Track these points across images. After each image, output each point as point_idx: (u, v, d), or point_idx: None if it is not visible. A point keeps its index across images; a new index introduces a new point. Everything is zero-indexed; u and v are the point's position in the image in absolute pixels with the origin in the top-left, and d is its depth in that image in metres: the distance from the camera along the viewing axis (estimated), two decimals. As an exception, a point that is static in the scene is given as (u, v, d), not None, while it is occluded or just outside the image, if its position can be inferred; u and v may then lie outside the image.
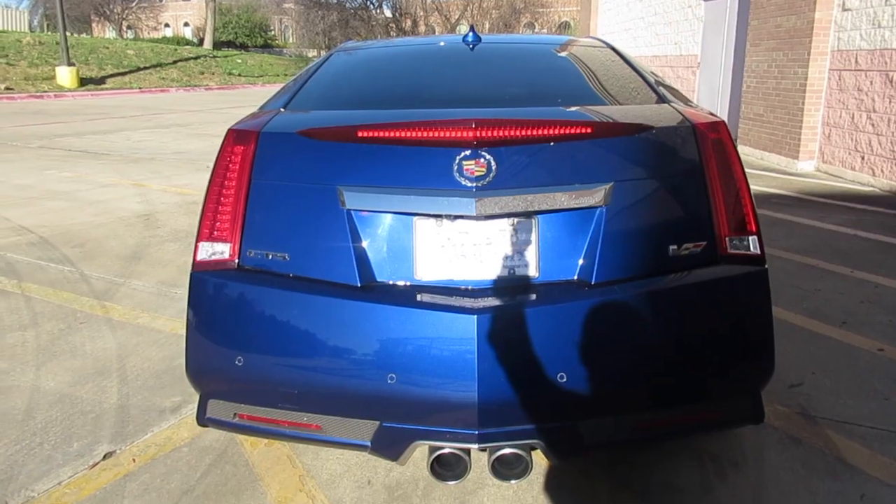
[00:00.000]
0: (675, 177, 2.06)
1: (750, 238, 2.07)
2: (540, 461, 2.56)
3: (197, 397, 2.23)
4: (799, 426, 2.80)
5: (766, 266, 2.07)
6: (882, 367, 3.31)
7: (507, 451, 1.97)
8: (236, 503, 2.40)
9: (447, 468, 2.05)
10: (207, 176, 2.21)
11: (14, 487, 2.48)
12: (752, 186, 6.52)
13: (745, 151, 10.28)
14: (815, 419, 2.85)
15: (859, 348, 3.52)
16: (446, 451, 1.98)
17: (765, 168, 9.13)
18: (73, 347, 3.66)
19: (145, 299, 4.37)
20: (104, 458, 2.67)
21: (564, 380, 1.88)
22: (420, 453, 2.58)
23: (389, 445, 2.00)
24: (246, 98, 23.19)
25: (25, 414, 2.99)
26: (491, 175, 1.94)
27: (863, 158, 8.01)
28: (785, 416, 2.87)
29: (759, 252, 2.06)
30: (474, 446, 1.93)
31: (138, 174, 8.82)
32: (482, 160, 1.95)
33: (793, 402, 2.99)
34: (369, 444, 2.01)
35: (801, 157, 8.89)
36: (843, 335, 3.69)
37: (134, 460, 2.66)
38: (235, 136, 2.16)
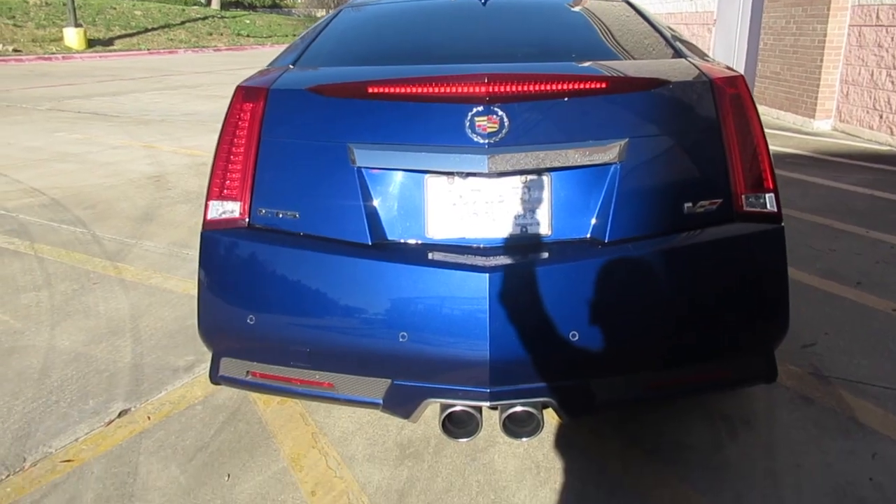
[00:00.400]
0: (691, 133, 2.02)
1: (766, 196, 2.03)
2: (551, 420, 2.57)
3: (209, 356, 2.24)
4: (811, 386, 2.79)
5: (783, 224, 2.03)
6: (896, 327, 3.29)
7: (518, 409, 1.97)
8: (250, 459, 2.43)
9: (459, 426, 2.06)
10: (216, 138, 2.19)
11: (32, 444, 2.52)
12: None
13: (760, 111, 10.07)
14: (828, 379, 2.83)
15: (874, 308, 3.49)
16: (458, 408, 1.98)
17: (780, 127, 8.98)
18: (87, 307, 3.68)
19: (157, 260, 4.39)
20: (119, 415, 2.70)
21: (577, 338, 1.87)
22: (432, 412, 2.59)
23: (401, 403, 2.01)
24: (255, 59, 22.98)
25: (41, 373, 3.03)
26: (504, 131, 1.91)
27: (881, 117, 7.86)
28: (797, 375, 2.86)
29: (775, 210, 2.03)
30: (486, 404, 1.94)
31: (148, 136, 8.79)
32: (495, 116, 1.91)
33: (805, 361, 2.97)
34: (381, 402, 2.02)
35: (817, 116, 8.73)
36: (857, 295, 3.66)
37: (149, 418, 2.69)
38: (244, 93, 2.13)
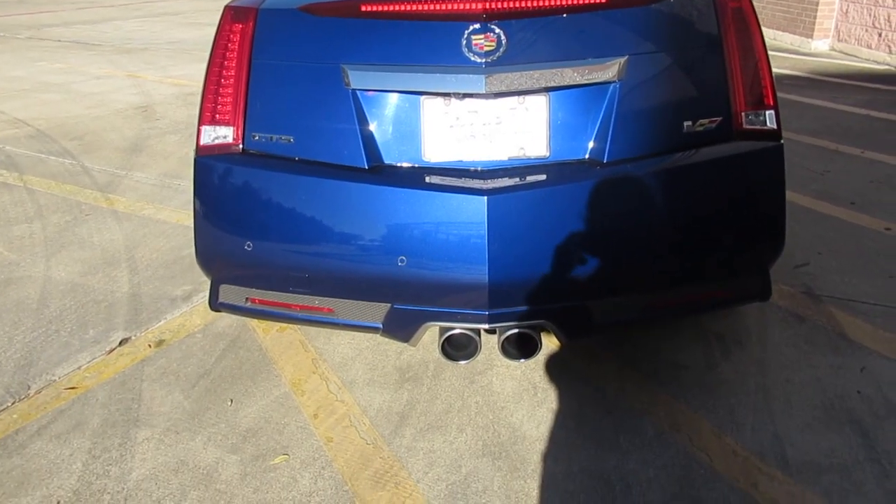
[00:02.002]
0: (692, 49, 1.98)
1: (767, 113, 2.01)
2: (548, 343, 2.60)
3: (207, 285, 2.24)
4: (803, 305, 2.83)
5: (783, 141, 2.01)
6: (889, 245, 3.31)
7: (516, 331, 1.99)
8: (252, 385, 2.47)
9: (458, 349, 2.08)
10: (204, 67, 2.13)
11: (35, 372, 2.55)
12: None
13: (757, 31, 9.90)
14: (820, 297, 2.87)
15: (867, 227, 3.51)
16: (457, 331, 2.01)
17: (778, 48, 8.82)
18: (81, 239, 3.67)
19: (149, 191, 4.34)
20: (120, 343, 2.73)
21: (575, 259, 1.88)
22: (430, 336, 2.62)
23: (401, 327, 2.03)
24: (237, -17, 22.18)
25: (39, 303, 3.04)
26: (501, 50, 1.86)
27: (880, 35, 7.72)
28: (790, 295, 2.90)
29: (775, 127, 2.01)
30: (485, 326, 1.96)
31: (132, 65, 8.57)
32: (492, 34, 1.86)
33: (798, 281, 3.01)
34: (381, 326, 2.04)
35: (815, 36, 8.57)
36: (850, 215, 3.67)
37: (150, 346, 2.71)
38: (233, 13, 2.06)
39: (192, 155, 4.86)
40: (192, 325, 2.85)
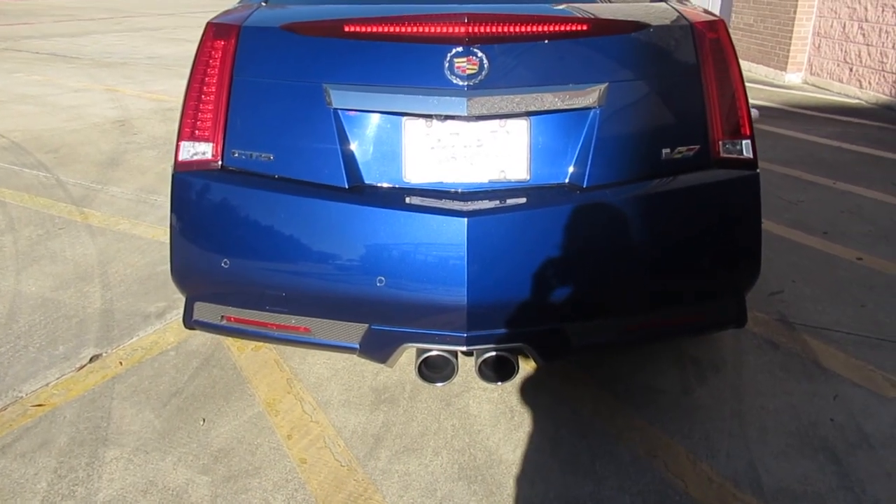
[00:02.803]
0: (671, 78, 2.00)
1: (743, 142, 2.04)
2: (525, 366, 2.60)
3: (181, 302, 2.21)
4: (778, 332, 2.86)
5: (758, 170, 2.04)
6: (860, 275, 3.37)
7: (493, 354, 1.99)
8: (225, 405, 2.43)
9: (435, 370, 2.07)
10: (183, 82, 2.13)
11: (1, 388, 2.49)
12: None
13: (732, 62, 10.10)
14: (794, 325, 2.91)
15: (839, 257, 3.57)
16: (434, 353, 1.99)
17: (752, 80, 9.00)
18: (53, 253, 3.61)
19: (125, 206, 4.29)
20: (91, 360, 2.68)
21: (553, 283, 1.88)
22: (407, 357, 2.61)
23: (378, 348, 2.01)
24: (220, 2, 22.25)
25: (8, 318, 2.97)
26: (483, 73, 1.87)
27: (851, 70, 7.91)
28: (764, 322, 2.93)
29: (751, 156, 2.04)
30: (462, 349, 1.95)
31: (111, 79, 8.51)
32: (474, 58, 1.87)
33: (773, 309, 3.04)
34: (358, 346, 2.02)
35: (789, 69, 8.76)
36: (823, 244, 3.73)
37: (121, 363, 2.66)
38: (215, 30, 2.05)
39: (169, 171, 4.80)
40: (166, 343, 2.80)
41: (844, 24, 7.98)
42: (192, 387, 2.52)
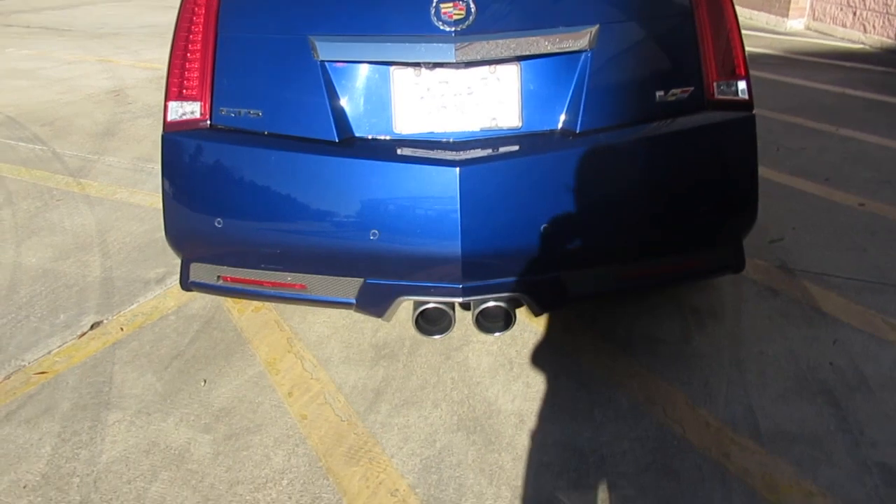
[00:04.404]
0: (664, 18, 1.96)
1: (739, 83, 2.00)
2: (525, 318, 2.60)
3: (180, 266, 2.20)
4: (778, 279, 2.84)
5: (754, 111, 2.01)
6: (862, 220, 3.34)
7: (490, 304, 1.98)
8: (226, 365, 2.44)
9: (432, 323, 2.07)
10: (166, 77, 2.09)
11: (4, 358, 2.50)
12: None
13: (734, 12, 9.93)
14: (794, 272, 2.89)
15: (841, 203, 3.54)
16: (431, 306, 1.99)
17: (753, 27, 8.85)
18: (52, 224, 3.60)
19: (122, 175, 4.27)
20: (92, 327, 2.69)
21: (548, 231, 1.86)
22: (405, 312, 2.60)
23: (375, 302, 2.01)
24: (213, -32, 21.86)
25: (9, 289, 2.98)
26: (470, 18, 1.83)
27: (854, 14, 7.76)
28: (764, 269, 2.91)
29: (747, 97, 2.00)
30: (458, 300, 1.94)
31: (104, 50, 8.42)
32: (461, 2, 1.83)
33: (773, 256, 3.02)
34: (354, 301, 2.02)
35: (791, 15, 8.60)
36: (825, 192, 3.70)
37: (122, 329, 2.67)
38: (196, -15, 2.01)
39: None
40: (166, 308, 2.81)
41: (848, -32, 7.81)
42: (193, 349, 2.53)
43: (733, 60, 1.99)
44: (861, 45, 7.58)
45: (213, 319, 2.71)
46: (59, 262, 3.20)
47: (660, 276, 2.08)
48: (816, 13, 8.46)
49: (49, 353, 2.54)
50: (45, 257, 3.25)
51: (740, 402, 2.15)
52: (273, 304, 2.78)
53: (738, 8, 9.13)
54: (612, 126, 1.91)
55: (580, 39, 1.87)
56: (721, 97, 1.99)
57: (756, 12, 9.32)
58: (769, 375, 2.27)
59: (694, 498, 1.81)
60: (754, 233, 3.10)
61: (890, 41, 7.22)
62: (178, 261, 2.18)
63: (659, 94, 1.95)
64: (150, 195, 3.93)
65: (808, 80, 6.12)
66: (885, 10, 7.28)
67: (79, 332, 2.66)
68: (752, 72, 5.93)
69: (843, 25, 7.97)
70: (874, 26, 7.46)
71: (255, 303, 2.79)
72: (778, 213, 3.43)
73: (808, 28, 8.63)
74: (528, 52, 1.86)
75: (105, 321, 2.73)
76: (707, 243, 2.07)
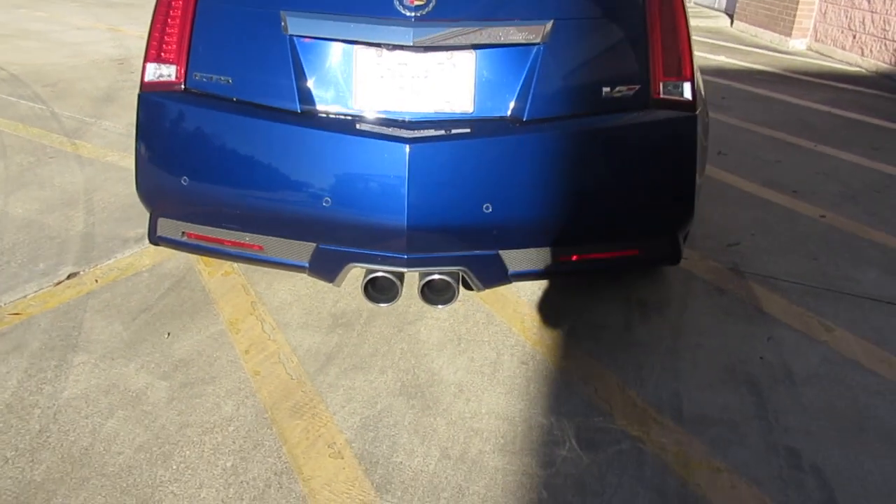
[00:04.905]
0: (616, 18, 2.08)
1: (684, 84, 2.11)
2: (477, 299, 2.72)
3: None
4: (727, 279, 2.96)
5: (697, 112, 2.13)
6: (819, 231, 3.46)
7: (436, 277, 2.11)
8: (190, 321, 2.57)
9: (380, 292, 2.20)
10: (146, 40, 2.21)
11: (-19, 299, 2.64)
12: (738, 64, 6.53)
13: (739, 27, 10.02)
14: (744, 274, 3.01)
15: (803, 214, 3.65)
16: (379, 275, 2.11)
17: (756, 45, 8.94)
18: (42, 179, 3.73)
19: (115, 140, 4.40)
20: (68, 277, 2.82)
21: (490, 211, 1.99)
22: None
23: (326, 267, 2.13)
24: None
25: (-7, 237, 3.11)
26: (431, 5, 1.95)
27: (854, 37, 7.85)
28: (716, 270, 3.04)
29: (690, 98, 2.12)
30: (403, 270, 2.07)
31: (115, 19, 8.55)
32: (422, -10, 1.95)
33: (727, 259, 3.14)
34: (307, 265, 2.14)
35: (794, 35, 8.69)
36: (790, 202, 3.81)
37: (97, 281, 2.80)
38: (181, -43, 2.13)
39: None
40: (141, 265, 2.94)
41: (851, -9, 7.90)
42: (161, 305, 2.66)
43: (680, 62, 2.11)
44: (857, 68, 7.68)
45: (184, 279, 2.84)
46: (44, 214, 3.33)
47: (596, 262, 2.21)
48: (819, 34, 8.55)
49: (25, 297, 2.67)
50: (32, 209, 3.38)
51: (668, 387, 2.28)
52: (241, 268, 2.91)
53: (745, 24, 9.26)
54: (559, 117, 2.03)
55: (534, 33, 1.99)
56: (666, 96, 2.11)
57: (761, 30, 9.42)
58: (701, 365, 2.39)
59: (609, 467, 1.94)
60: (713, 236, 3.25)
61: (885, 66, 7.32)
62: (145, 209, 2.31)
63: (606, 89, 2.06)
64: (140, 160, 4.05)
65: (798, 97, 6.22)
66: (882, 35, 7.38)
67: (55, 281, 2.78)
68: (746, 87, 6.07)
69: (843, 48, 8.06)
70: (871, 50, 7.56)
71: (225, 267, 2.92)
72: (741, 220, 3.55)
73: (809, 48, 8.73)
74: (483, 42, 1.98)
75: (81, 273, 2.86)
76: (643, 234, 2.19)
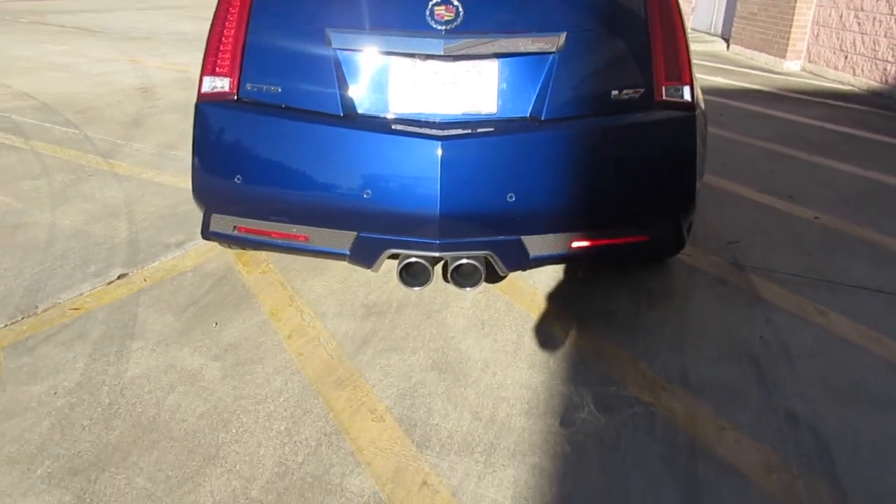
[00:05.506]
0: (623, 30, 2.34)
1: (683, 87, 2.37)
2: (497, 291, 2.96)
3: (198, 236, 2.56)
4: (728, 272, 3.19)
5: (696, 112, 2.38)
6: (814, 231, 3.69)
7: (464, 261, 2.34)
8: (235, 313, 2.80)
9: (414, 276, 2.43)
10: (202, 56, 2.48)
11: (42, 296, 2.87)
12: (735, 84, 6.91)
13: (735, 51, 10.36)
14: (744, 267, 3.24)
15: (798, 216, 3.89)
16: (413, 260, 2.35)
17: (752, 67, 9.27)
18: (84, 194, 3.99)
19: (147, 159, 4.68)
20: (118, 277, 3.06)
21: (513, 199, 2.23)
22: (395, 281, 2.96)
23: (366, 254, 2.37)
24: (240, -17, 22.55)
25: (46, 244, 3.36)
26: (459, 20, 2.22)
27: (846, 58, 8.17)
28: (718, 264, 3.27)
29: (690, 100, 2.37)
30: (436, 254, 2.30)
31: (135, 51, 8.91)
32: (451, 6, 2.22)
33: (728, 255, 3.37)
34: (348, 252, 2.38)
35: (788, 57, 9.02)
36: (787, 206, 4.05)
37: (145, 280, 3.04)
38: (234, -18, 2.41)
39: (188, 130, 5.20)
40: (184, 266, 3.18)
41: (842, 13, 8.23)
42: (207, 299, 2.90)
43: (680, 69, 2.37)
44: (850, 87, 7.98)
45: (225, 278, 3.08)
46: (90, 224, 3.59)
47: (608, 247, 2.44)
48: (812, 55, 8.88)
49: (81, 294, 2.91)
50: (78, 220, 3.63)
51: (676, 362, 2.50)
52: (278, 267, 3.15)
53: (740, 48, 9.59)
54: (573, 116, 2.29)
55: (549, 43, 2.26)
56: (668, 98, 2.36)
57: (757, 53, 9.75)
58: (705, 344, 2.61)
59: (624, 427, 2.15)
60: (714, 235, 3.49)
61: (876, 84, 7.62)
62: (196, 229, 2.55)
63: (614, 92, 2.32)
64: (173, 176, 4.32)
65: (793, 114, 6.50)
66: (872, 55, 7.69)
67: (107, 281, 3.02)
68: (742, 105, 6.41)
69: (835, 68, 8.38)
70: (863, 69, 7.87)
71: (263, 266, 3.16)
72: (740, 222, 3.79)
73: (803, 69, 9.05)
74: (505, 51, 2.25)
75: (130, 273, 3.10)
76: (651, 221, 2.43)
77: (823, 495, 1.91)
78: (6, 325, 2.66)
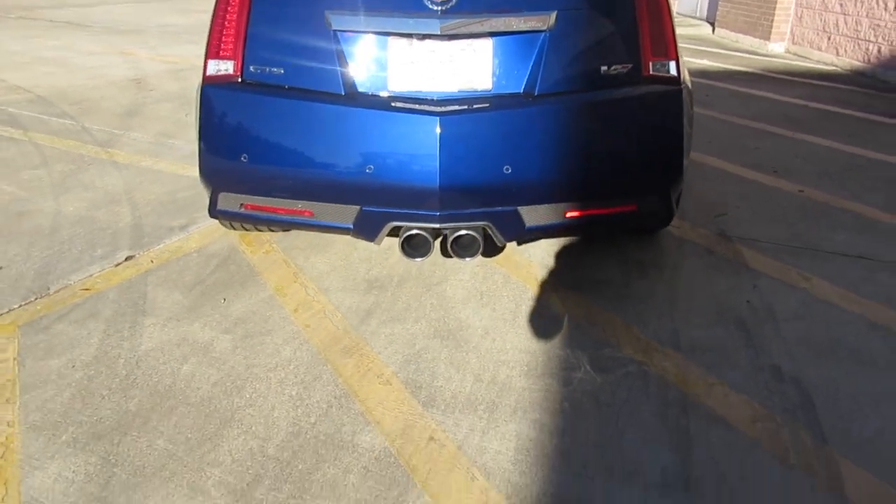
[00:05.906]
0: (610, 8, 2.44)
1: (670, 63, 2.48)
2: (495, 264, 3.07)
3: (201, 220, 2.65)
4: (715, 242, 3.31)
5: (682, 86, 2.49)
6: (798, 203, 3.82)
7: (463, 232, 2.45)
8: (242, 289, 2.90)
9: (415, 248, 2.53)
10: (194, 49, 2.57)
11: (52, 278, 2.96)
12: (720, 66, 7.06)
13: (720, 34, 10.48)
14: (731, 238, 3.36)
15: (783, 189, 4.02)
16: (414, 232, 2.45)
17: (737, 49, 9.39)
18: (85, 183, 4.07)
19: (145, 147, 4.75)
20: (126, 259, 3.14)
21: (509, 172, 2.34)
22: (397, 257, 3.06)
23: (368, 227, 2.47)
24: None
25: (51, 230, 3.44)
26: (453, 0, 2.32)
27: (829, 39, 8.30)
28: (706, 236, 3.39)
29: (676, 75, 2.48)
30: (436, 225, 2.41)
31: (125, 44, 8.93)
32: (446, -14, 2.32)
33: (715, 226, 3.49)
34: (352, 226, 2.48)
35: (772, 39, 9.15)
36: (772, 180, 4.18)
37: (152, 261, 3.13)
38: (235, -32, 2.49)
39: (184, 119, 5.27)
40: (189, 248, 3.27)
41: (824, -5, 8.36)
42: (213, 278, 2.99)
43: (666, 45, 2.47)
44: (833, 67, 8.12)
45: (230, 258, 3.17)
46: (93, 211, 3.67)
47: (600, 217, 2.55)
48: (796, 37, 9.01)
49: (90, 276, 2.99)
50: (81, 207, 3.71)
51: (667, 326, 2.62)
52: (281, 246, 3.24)
53: (726, 31, 9.71)
54: (564, 92, 2.39)
55: (541, 22, 2.35)
56: (654, 73, 2.47)
57: (742, 35, 9.87)
58: (695, 309, 2.73)
59: (618, 385, 2.27)
60: (701, 209, 3.60)
61: (858, 63, 7.76)
62: (198, 213, 2.64)
63: (603, 68, 2.43)
64: (171, 164, 4.40)
65: (777, 94, 6.63)
66: (855, 36, 7.83)
67: (115, 263, 3.11)
68: (727, 86, 6.55)
69: (819, 49, 8.51)
70: (846, 50, 8.00)
71: (266, 246, 3.26)
72: (727, 196, 3.91)
73: (787, 51, 9.17)
74: (499, 30, 2.35)
75: (137, 255, 3.19)
76: (640, 192, 2.54)
77: (805, 441, 2.03)
78: (20, 306, 2.75)
